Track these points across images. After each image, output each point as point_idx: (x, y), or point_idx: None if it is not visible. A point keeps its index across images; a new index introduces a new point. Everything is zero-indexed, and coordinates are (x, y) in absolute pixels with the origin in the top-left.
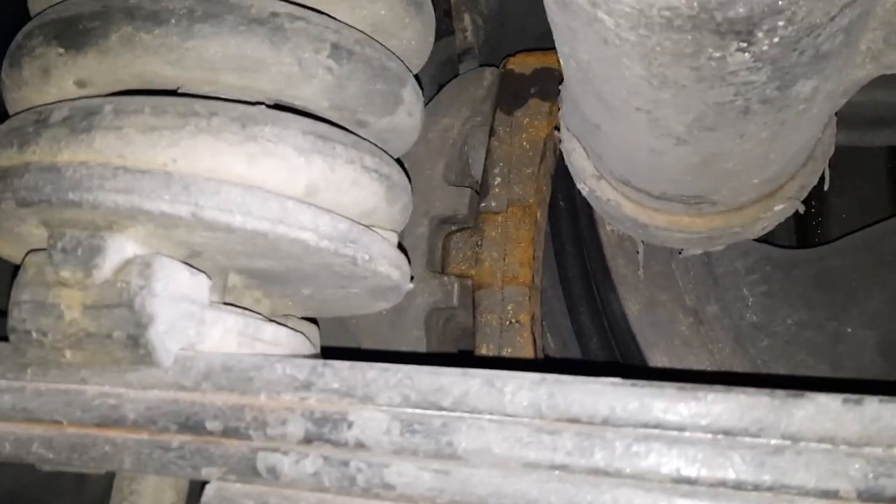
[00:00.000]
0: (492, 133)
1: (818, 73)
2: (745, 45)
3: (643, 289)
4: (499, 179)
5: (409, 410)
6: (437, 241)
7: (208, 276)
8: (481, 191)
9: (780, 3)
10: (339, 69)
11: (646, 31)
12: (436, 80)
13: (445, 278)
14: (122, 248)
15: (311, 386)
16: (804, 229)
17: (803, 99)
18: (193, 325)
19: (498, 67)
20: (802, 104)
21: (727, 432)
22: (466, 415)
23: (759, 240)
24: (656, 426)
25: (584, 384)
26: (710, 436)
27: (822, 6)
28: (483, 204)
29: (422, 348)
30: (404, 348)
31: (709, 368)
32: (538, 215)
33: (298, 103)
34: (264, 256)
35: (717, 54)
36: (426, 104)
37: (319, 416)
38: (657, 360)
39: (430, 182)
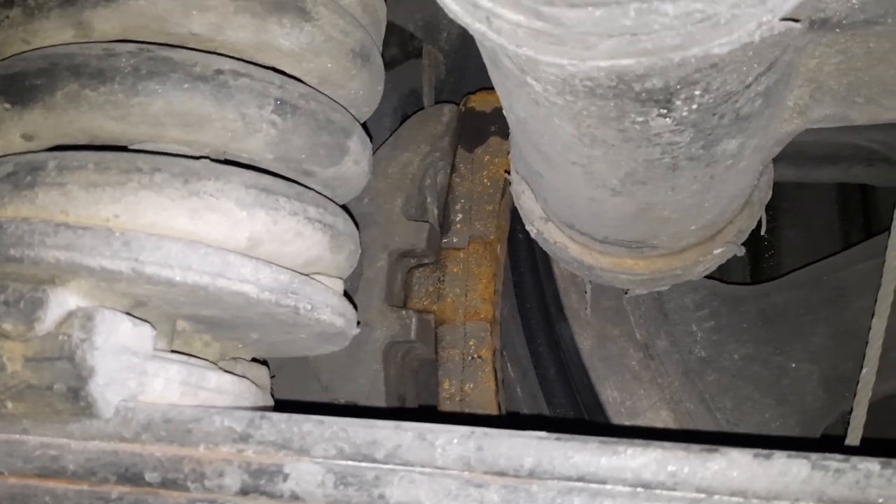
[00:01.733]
0: (453, 170)
1: (742, 133)
2: (665, 111)
3: (595, 323)
4: (460, 216)
5: (343, 463)
6: (395, 275)
7: (153, 326)
8: (443, 227)
9: (694, 75)
10: (284, 123)
11: (571, 96)
12: (398, 112)
13: (404, 312)
14: (64, 301)
15: (249, 438)
16: (757, 262)
17: (730, 155)
18: (135, 376)
19: (458, 104)
20: (730, 160)
21: (646, 486)
22: (399, 467)
23: (712, 273)
24: (579, 479)
25: (511, 437)
26: (629, 489)
27: (736, 77)
28: (445, 240)
29: (380, 382)
30: (363, 381)
31: (658, 402)
32: (498, 251)
33: (244, 156)
34: (208, 306)
35: (640, 119)
36: (390, 135)
37: (256, 468)
38: (608, 394)
39: (390, 216)
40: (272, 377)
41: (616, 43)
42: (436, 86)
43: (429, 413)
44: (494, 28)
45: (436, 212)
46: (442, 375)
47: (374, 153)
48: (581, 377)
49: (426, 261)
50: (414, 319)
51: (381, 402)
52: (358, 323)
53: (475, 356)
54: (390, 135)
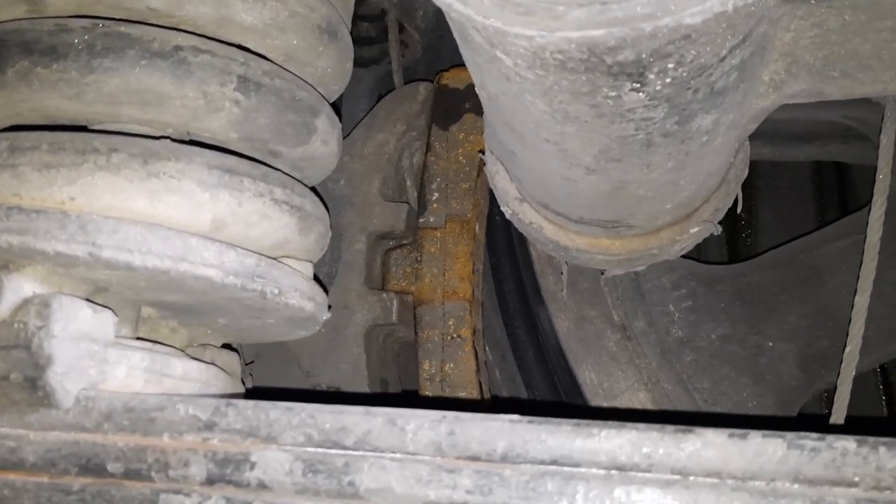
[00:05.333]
0: (428, 148)
1: (716, 108)
2: (638, 85)
3: (572, 305)
4: (436, 195)
5: (312, 450)
6: (374, 257)
7: (114, 312)
8: (419, 207)
9: (667, 47)
10: (247, 101)
11: (542, 71)
12: (375, 92)
13: (384, 294)
14: (19, 287)
15: (214, 426)
16: (734, 241)
17: (705, 131)
18: (95, 364)
19: (433, 82)
20: (705, 136)
21: (620, 468)
22: (369, 454)
23: (689, 252)
24: (553, 462)
25: (483, 421)
26: (603, 472)
27: (710, 49)
28: (421, 220)
29: (362, 366)
30: (344, 366)
31: (636, 383)
32: (476, 229)
33: (207, 135)
34: (172, 291)
35: (613, 93)
36: (365, 116)
37: (222, 457)
38: (585, 375)
39: (367, 198)
40: (250, 363)
41: (585, 12)
42: (411, 65)
43: (412, 398)
44: None
45: (414, 192)
46: (422, 356)
47: (349, 134)
48: (559, 359)
49: (405, 242)
50: (395, 302)
51: (363, 387)
52: (329, 307)
53: (455, 336)
54: (366, 114)
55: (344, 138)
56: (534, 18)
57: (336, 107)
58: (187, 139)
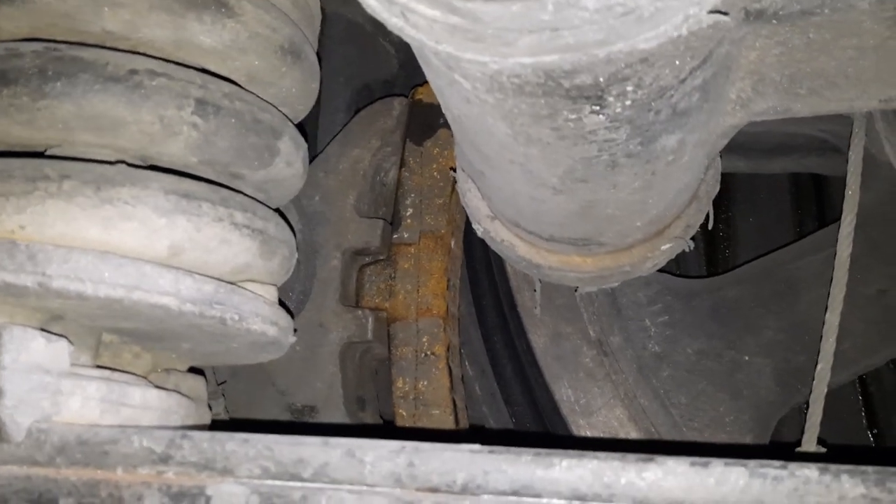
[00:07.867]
0: (402, 164)
1: (681, 128)
2: (597, 108)
3: (548, 321)
4: (410, 210)
5: (269, 482)
6: (350, 274)
7: (70, 341)
8: (393, 222)
9: (624, 70)
10: (206, 125)
11: (501, 94)
12: (352, 107)
13: (360, 312)
14: None
15: (169, 459)
16: (713, 252)
17: (670, 151)
18: (48, 395)
19: (407, 97)
20: (671, 155)
21: (581, 498)
22: (327, 486)
23: (668, 264)
24: (513, 493)
25: (443, 451)
26: (564, 502)
27: (669, 71)
28: (395, 236)
29: (337, 384)
30: (319, 385)
31: (612, 399)
32: (451, 245)
33: (165, 159)
34: (128, 319)
35: (573, 116)
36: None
37: (177, 490)
38: (562, 392)
39: (342, 214)
40: (223, 383)
41: (536, 39)
42: (388, 79)
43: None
44: (412, 24)
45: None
46: (395, 374)
47: (324, 149)
48: (536, 375)
49: (380, 257)
50: (370, 319)
51: (339, 405)
52: (295, 330)
53: (428, 353)
54: (342, 129)
55: (319, 153)
56: (485, 45)
57: (303, 126)
58: (145, 164)
